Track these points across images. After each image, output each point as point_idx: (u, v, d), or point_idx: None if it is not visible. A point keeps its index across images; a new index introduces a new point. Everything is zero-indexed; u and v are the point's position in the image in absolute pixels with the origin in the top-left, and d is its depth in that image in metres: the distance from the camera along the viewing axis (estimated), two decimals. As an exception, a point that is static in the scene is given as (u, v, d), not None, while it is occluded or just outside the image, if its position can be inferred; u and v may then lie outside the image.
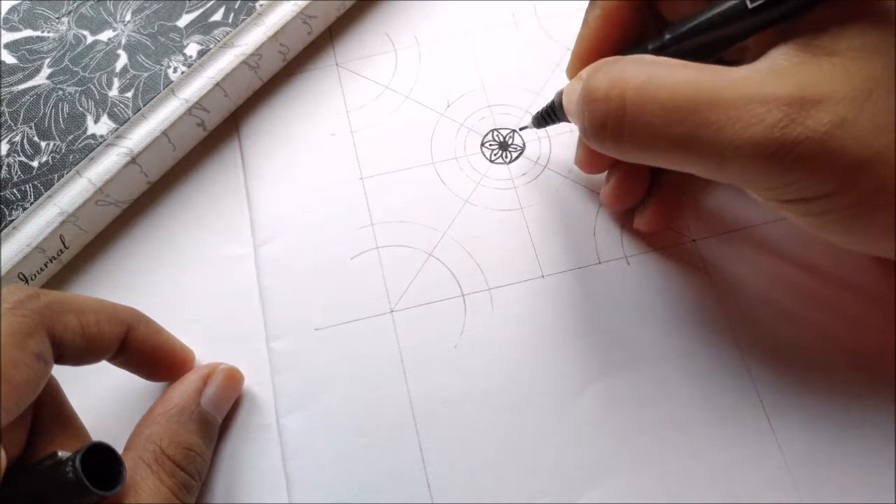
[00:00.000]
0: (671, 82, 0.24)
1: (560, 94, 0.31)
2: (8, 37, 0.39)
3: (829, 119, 0.22)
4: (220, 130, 0.39)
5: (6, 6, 0.40)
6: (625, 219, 0.35)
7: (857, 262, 0.33)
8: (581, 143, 0.34)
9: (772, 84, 0.23)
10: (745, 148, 0.23)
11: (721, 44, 0.26)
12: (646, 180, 0.33)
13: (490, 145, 0.38)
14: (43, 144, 0.36)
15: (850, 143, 0.22)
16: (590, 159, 0.34)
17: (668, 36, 0.28)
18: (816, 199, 0.24)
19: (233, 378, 0.32)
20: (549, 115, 0.34)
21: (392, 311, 0.34)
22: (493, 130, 0.38)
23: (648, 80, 0.25)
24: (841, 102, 0.22)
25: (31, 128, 0.36)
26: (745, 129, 0.23)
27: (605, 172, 0.35)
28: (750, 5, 0.24)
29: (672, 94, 0.24)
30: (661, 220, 0.34)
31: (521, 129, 0.38)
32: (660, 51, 0.28)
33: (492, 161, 0.38)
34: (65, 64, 0.38)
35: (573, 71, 0.32)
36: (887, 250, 0.25)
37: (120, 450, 0.27)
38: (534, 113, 0.35)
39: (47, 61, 0.38)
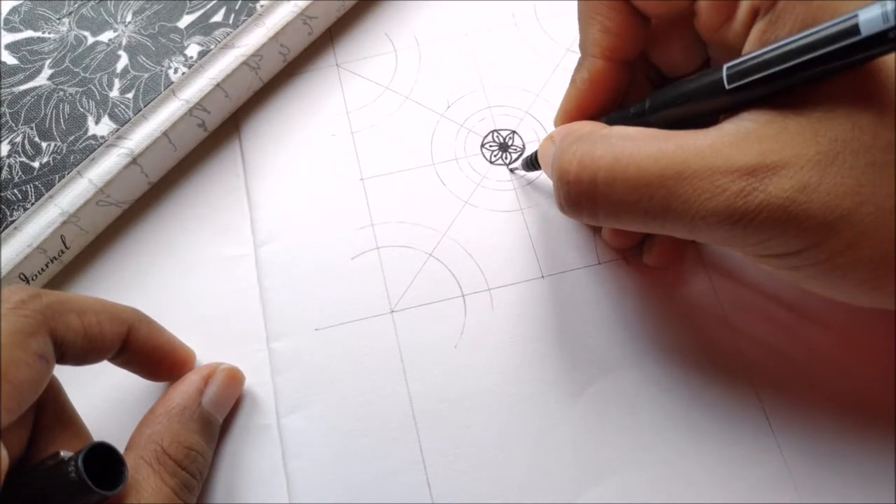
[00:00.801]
0: (638, 159, 0.25)
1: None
2: (9, 38, 0.39)
3: (791, 184, 0.23)
4: (220, 131, 0.39)
5: (7, 7, 0.40)
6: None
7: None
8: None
9: (735, 152, 0.24)
10: (710, 217, 0.24)
11: (701, 116, 0.27)
12: None
13: (490, 146, 0.38)
14: (44, 145, 0.36)
15: (814, 207, 0.23)
16: (617, 235, 0.34)
17: (647, 104, 0.28)
18: (788, 255, 0.24)
19: (234, 378, 0.32)
20: (536, 163, 0.34)
21: (392, 311, 0.34)
22: (493, 131, 0.38)
23: (616, 160, 0.25)
24: (805, 167, 0.23)
25: (31, 128, 0.36)
26: (709, 200, 0.24)
27: None
28: (727, 86, 0.25)
29: (639, 171, 0.25)
30: (669, 254, 0.34)
31: (511, 170, 0.38)
32: (639, 117, 0.29)
33: (492, 162, 0.38)
34: (66, 65, 0.38)
35: (558, 125, 0.33)
36: (867, 301, 0.25)
37: (121, 449, 0.27)
38: (525, 156, 0.36)
39: (48, 62, 0.38)
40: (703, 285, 0.34)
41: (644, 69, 0.32)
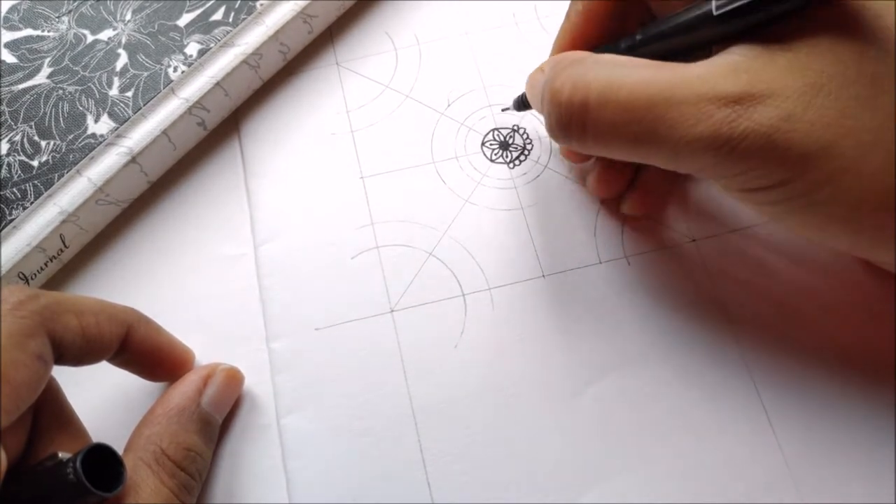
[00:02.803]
0: (630, 83, 0.26)
1: None
2: (8, 36, 0.39)
3: (776, 114, 0.23)
4: (220, 130, 0.39)
5: (6, 5, 0.40)
6: (625, 218, 0.35)
7: (858, 262, 0.33)
8: (597, 166, 0.35)
9: (723, 81, 0.24)
10: (696, 142, 0.24)
11: (689, 48, 0.27)
12: (630, 167, 0.34)
13: (490, 145, 0.38)
14: (43, 144, 0.36)
15: (797, 137, 0.23)
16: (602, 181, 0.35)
17: (638, 37, 0.29)
18: (769, 188, 0.25)
19: (233, 378, 0.32)
20: (527, 101, 0.35)
21: (392, 310, 0.34)
22: (493, 130, 0.38)
23: (609, 82, 0.26)
24: (790, 97, 0.23)
25: (31, 127, 0.36)
26: (696, 126, 0.24)
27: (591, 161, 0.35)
28: (715, 13, 0.25)
29: (630, 94, 0.25)
30: (647, 203, 0.34)
31: (502, 111, 0.38)
32: (630, 50, 0.29)
33: (492, 161, 0.37)
34: (65, 63, 0.38)
35: None
36: (845, 243, 0.26)
37: (120, 450, 0.27)
38: (516, 95, 0.36)
39: (47, 60, 0.38)
40: (704, 284, 0.34)
41: (636, 13, 0.32)
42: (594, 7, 0.31)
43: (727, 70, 0.24)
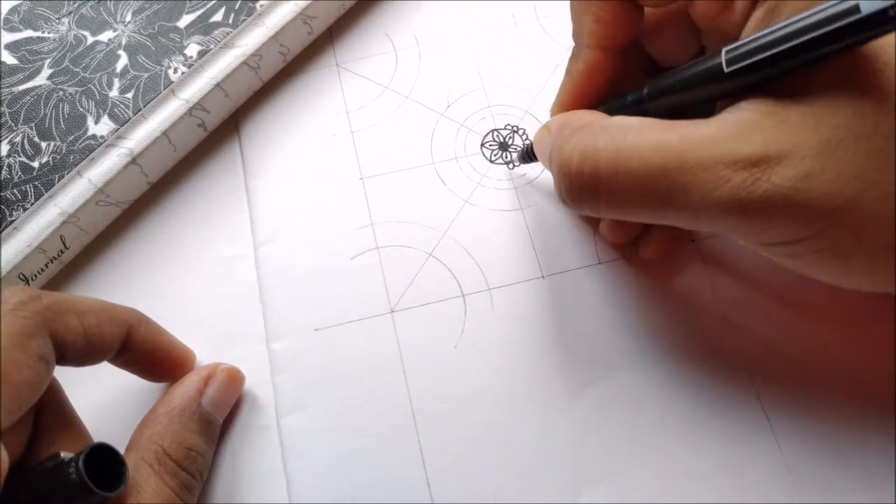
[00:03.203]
0: (641, 150, 0.25)
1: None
2: (8, 37, 0.39)
3: (794, 174, 0.23)
4: (220, 131, 0.39)
5: (7, 7, 0.40)
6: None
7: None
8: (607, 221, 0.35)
9: (738, 143, 0.24)
10: (714, 207, 0.24)
11: (698, 103, 0.27)
12: None
13: (490, 146, 0.38)
14: (43, 145, 0.36)
15: (817, 195, 0.23)
16: (615, 229, 0.34)
17: (645, 91, 0.28)
18: (790, 243, 0.25)
19: (234, 378, 0.32)
20: (533, 154, 0.34)
21: (392, 311, 0.34)
22: (493, 131, 0.38)
23: (618, 151, 0.25)
24: (807, 156, 0.23)
25: (31, 128, 0.36)
26: (713, 191, 0.24)
27: None
28: (726, 70, 0.24)
29: (642, 162, 0.25)
30: (666, 248, 0.34)
31: (509, 168, 0.38)
32: (637, 104, 0.28)
33: (492, 161, 0.38)
34: (65, 64, 0.38)
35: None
36: (868, 287, 0.26)
37: (121, 450, 0.27)
38: (520, 148, 0.36)
39: (48, 62, 0.38)
40: (704, 284, 0.34)
41: (638, 59, 0.32)
42: (595, 63, 0.30)
43: (740, 130, 0.24)
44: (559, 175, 0.28)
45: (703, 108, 0.26)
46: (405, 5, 0.42)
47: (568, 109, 0.32)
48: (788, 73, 0.24)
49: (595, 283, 0.34)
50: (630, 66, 0.32)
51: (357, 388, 0.33)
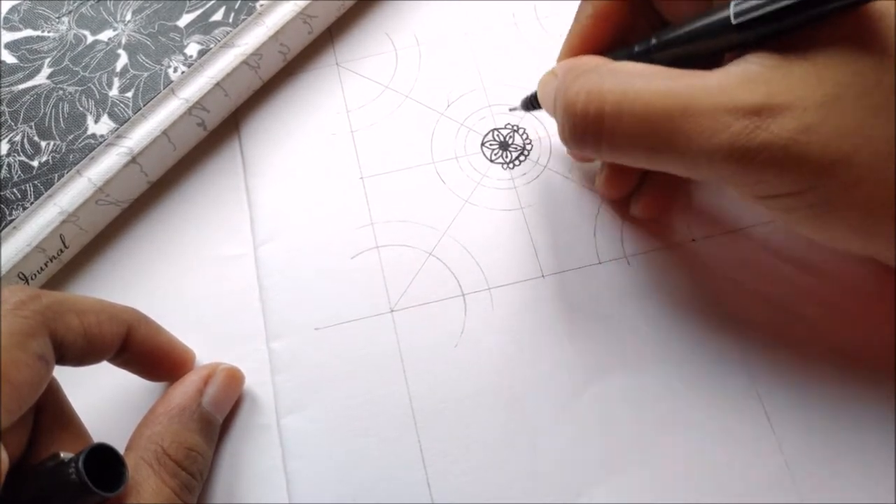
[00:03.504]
0: (646, 94, 0.25)
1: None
2: (8, 36, 0.39)
3: (794, 125, 0.23)
4: (220, 130, 0.39)
5: (6, 6, 0.40)
6: (625, 218, 0.35)
7: (858, 262, 0.33)
8: (605, 168, 0.35)
9: (741, 92, 0.24)
10: (714, 153, 0.24)
11: (706, 55, 0.27)
12: (639, 169, 0.34)
13: (490, 145, 0.38)
14: (43, 144, 0.36)
15: (815, 148, 0.23)
16: (611, 183, 0.35)
17: (653, 41, 0.28)
18: (785, 196, 0.25)
19: (234, 378, 0.32)
20: (535, 102, 0.34)
21: (392, 310, 0.34)
22: (493, 130, 0.38)
23: (624, 93, 0.26)
24: (808, 109, 0.23)
25: (31, 127, 0.36)
26: (713, 137, 0.24)
27: (599, 162, 0.35)
28: (734, 21, 0.25)
29: (646, 105, 0.25)
30: (657, 206, 0.34)
31: (510, 110, 0.38)
32: (645, 55, 0.29)
33: (492, 161, 0.38)
34: (65, 64, 0.38)
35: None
36: (858, 247, 0.26)
37: (121, 450, 0.27)
38: (524, 96, 0.36)
39: (48, 61, 0.38)
40: (704, 284, 0.34)
41: (647, 16, 0.32)
42: (605, 9, 0.31)
43: (744, 80, 0.24)
44: (563, 115, 0.28)
45: (711, 61, 0.26)
46: (405, 5, 0.42)
47: (575, 55, 0.32)
48: (795, 27, 0.24)
49: (595, 283, 0.34)
50: (638, 21, 0.32)
51: (357, 387, 0.33)
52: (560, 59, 0.33)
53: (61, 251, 0.35)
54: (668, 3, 0.31)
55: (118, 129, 0.36)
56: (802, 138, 0.23)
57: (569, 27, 0.32)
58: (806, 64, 0.24)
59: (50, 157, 0.35)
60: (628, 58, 0.29)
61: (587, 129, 0.27)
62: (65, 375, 0.29)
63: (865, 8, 0.24)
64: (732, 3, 0.25)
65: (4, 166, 0.35)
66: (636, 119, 0.26)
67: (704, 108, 0.24)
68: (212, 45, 0.38)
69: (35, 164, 0.35)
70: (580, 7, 0.32)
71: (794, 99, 0.23)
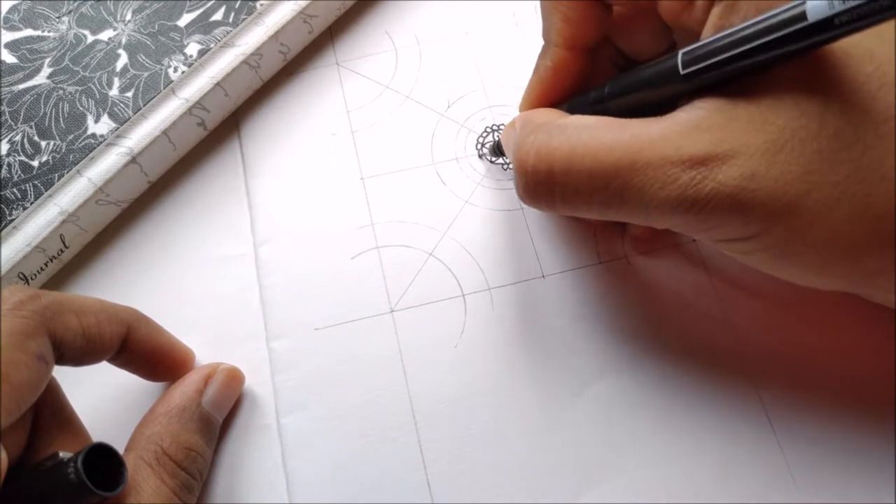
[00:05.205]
0: (594, 149, 0.25)
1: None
2: (8, 36, 0.39)
3: (740, 173, 0.23)
4: (220, 130, 0.39)
5: (6, 5, 0.40)
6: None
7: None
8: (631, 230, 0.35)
9: (686, 141, 0.24)
10: (664, 205, 0.24)
11: (658, 101, 0.27)
12: None
13: (482, 149, 0.38)
14: (43, 144, 0.36)
15: (762, 195, 0.23)
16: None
17: (607, 90, 0.28)
18: (739, 241, 0.25)
19: (233, 378, 0.32)
20: (501, 149, 0.35)
21: (392, 311, 0.34)
22: (494, 130, 0.38)
23: (572, 149, 0.26)
24: (753, 156, 0.23)
25: (31, 127, 0.36)
26: (662, 189, 0.24)
27: None
28: (681, 72, 0.25)
29: (595, 161, 0.25)
30: (644, 243, 0.35)
31: (479, 156, 0.38)
32: (599, 103, 0.29)
33: (492, 161, 0.38)
34: (65, 63, 0.38)
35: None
36: (822, 284, 0.26)
37: (121, 450, 0.27)
38: (490, 143, 0.37)
39: (48, 61, 0.38)
40: (704, 285, 0.34)
41: (610, 54, 0.32)
42: (562, 59, 0.31)
43: (690, 129, 0.24)
44: (516, 173, 0.28)
45: (664, 107, 0.26)
46: (405, 4, 0.42)
47: (535, 107, 0.32)
48: (743, 74, 0.24)
49: (595, 283, 0.34)
50: (600, 61, 0.32)
51: (357, 387, 0.33)
52: (521, 108, 0.33)
53: (61, 251, 0.35)
54: (628, 41, 0.31)
55: (118, 128, 0.36)
56: (750, 185, 0.23)
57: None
58: (751, 108, 0.24)
59: (50, 157, 0.35)
60: (584, 106, 0.29)
61: (538, 188, 0.27)
62: (65, 375, 0.29)
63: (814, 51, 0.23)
64: (680, 53, 0.25)
65: (4, 166, 0.35)
66: (585, 175, 0.26)
67: (652, 161, 0.24)
68: (212, 45, 0.38)
69: (35, 163, 0.35)
70: (539, 57, 0.32)
71: (739, 146, 0.23)
